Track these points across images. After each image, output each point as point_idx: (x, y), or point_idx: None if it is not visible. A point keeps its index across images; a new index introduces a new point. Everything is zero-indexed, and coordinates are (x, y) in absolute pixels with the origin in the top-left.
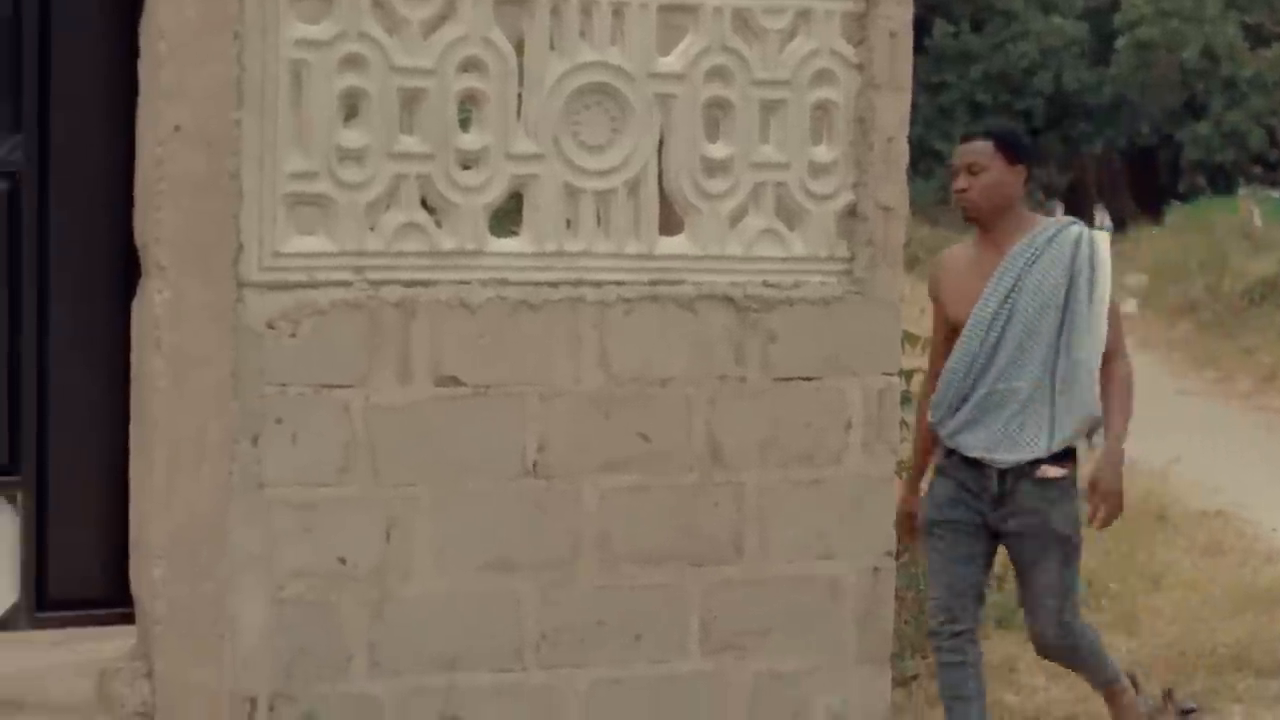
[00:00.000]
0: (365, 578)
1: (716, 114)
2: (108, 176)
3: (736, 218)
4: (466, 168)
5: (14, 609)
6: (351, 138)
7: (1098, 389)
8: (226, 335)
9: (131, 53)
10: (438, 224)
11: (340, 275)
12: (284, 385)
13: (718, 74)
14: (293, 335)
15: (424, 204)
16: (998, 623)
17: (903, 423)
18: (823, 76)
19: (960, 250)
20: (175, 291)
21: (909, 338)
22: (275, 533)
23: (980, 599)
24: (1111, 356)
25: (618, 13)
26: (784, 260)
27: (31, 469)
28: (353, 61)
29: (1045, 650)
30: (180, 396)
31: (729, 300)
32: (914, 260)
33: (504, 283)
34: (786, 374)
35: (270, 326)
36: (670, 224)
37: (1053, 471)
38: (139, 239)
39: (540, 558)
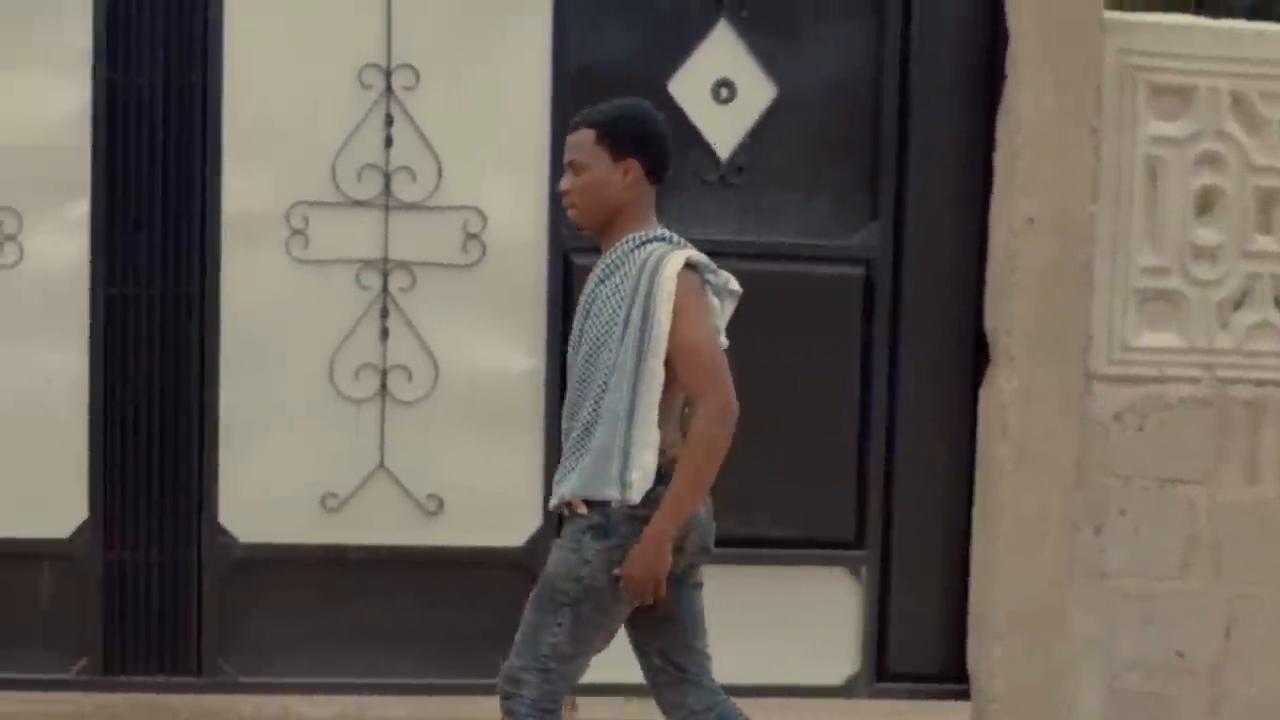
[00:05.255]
0: (1203, 673)
1: None
2: (959, 264)
3: None
4: None
5: (854, 678)
6: (1205, 235)
7: (630, 441)
8: (1073, 424)
9: (987, 144)
10: None
11: (1190, 372)
12: (1128, 477)
13: None
14: (1139, 429)
15: (1277, 303)
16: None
17: None
18: None
19: None
20: (1023, 379)
21: None
22: (1114, 621)
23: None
24: (693, 403)
25: None
26: None
27: (876, 544)
28: (1210, 159)
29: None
30: (1024, 481)
31: None
32: None
33: None
34: None
35: (1116, 419)
36: None
37: (576, 505)
38: (989, 326)
39: None
